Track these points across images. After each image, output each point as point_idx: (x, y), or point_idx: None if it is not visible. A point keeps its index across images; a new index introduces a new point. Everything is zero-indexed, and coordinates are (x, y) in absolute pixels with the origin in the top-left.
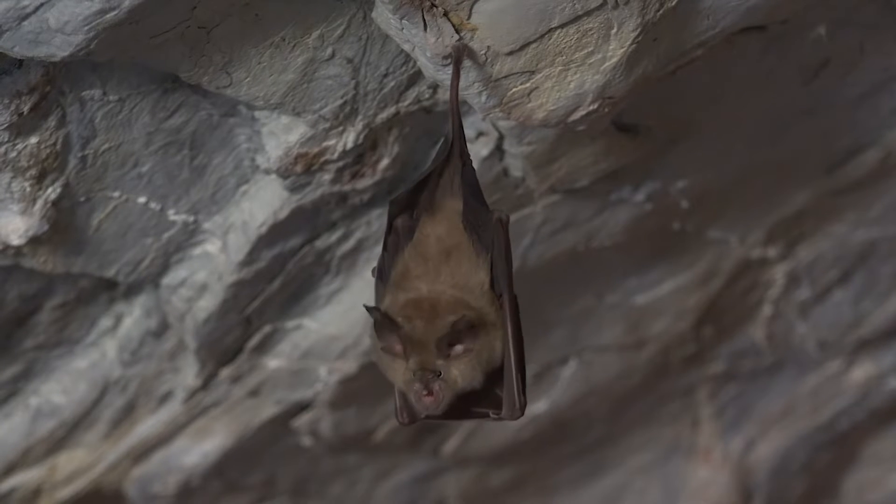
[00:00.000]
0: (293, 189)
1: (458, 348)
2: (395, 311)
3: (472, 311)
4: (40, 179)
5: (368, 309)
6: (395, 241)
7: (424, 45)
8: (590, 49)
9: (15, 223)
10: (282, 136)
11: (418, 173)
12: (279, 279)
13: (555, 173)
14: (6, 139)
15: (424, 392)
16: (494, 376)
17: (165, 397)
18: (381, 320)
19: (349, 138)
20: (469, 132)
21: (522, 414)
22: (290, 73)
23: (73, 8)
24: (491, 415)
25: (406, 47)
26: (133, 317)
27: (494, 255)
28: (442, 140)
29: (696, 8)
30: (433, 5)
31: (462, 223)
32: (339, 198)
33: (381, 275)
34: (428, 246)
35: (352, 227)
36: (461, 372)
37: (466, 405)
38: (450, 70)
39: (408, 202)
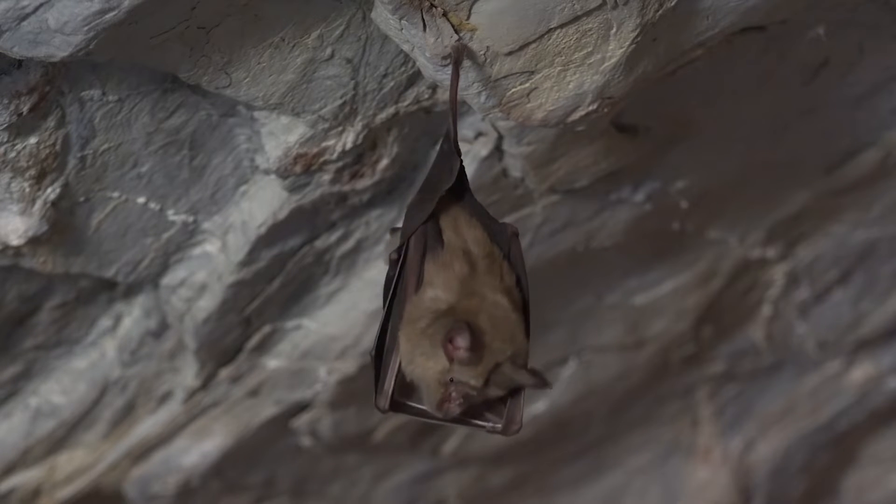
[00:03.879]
0: (292, 189)
1: (499, 391)
2: (473, 316)
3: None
4: (40, 180)
5: (470, 325)
6: (423, 233)
7: (424, 46)
8: (589, 49)
9: (14, 223)
10: (281, 136)
11: (427, 174)
12: (279, 279)
13: (554, 173)
14: (5, 139)
15: (456, 403)
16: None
17: (165, 397)
18: (465, 328)
19: (348, 138)
20: (468, 132)
21: (517, 433)
22: (289, 73)
23: (72, 8)
24: (487, 427)
25: (405, 47)
26: (132, 317)
27: (517, 271)
28: (442, 139)
29: (695, 8)
30: (432, 5)
31: (486, 231)
32: (338, 198)
33: (405, 264)
34: (468, 247)
35: (351, 228)
36: (492, 394)
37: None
38: (449, 70)
39: (425, 203)
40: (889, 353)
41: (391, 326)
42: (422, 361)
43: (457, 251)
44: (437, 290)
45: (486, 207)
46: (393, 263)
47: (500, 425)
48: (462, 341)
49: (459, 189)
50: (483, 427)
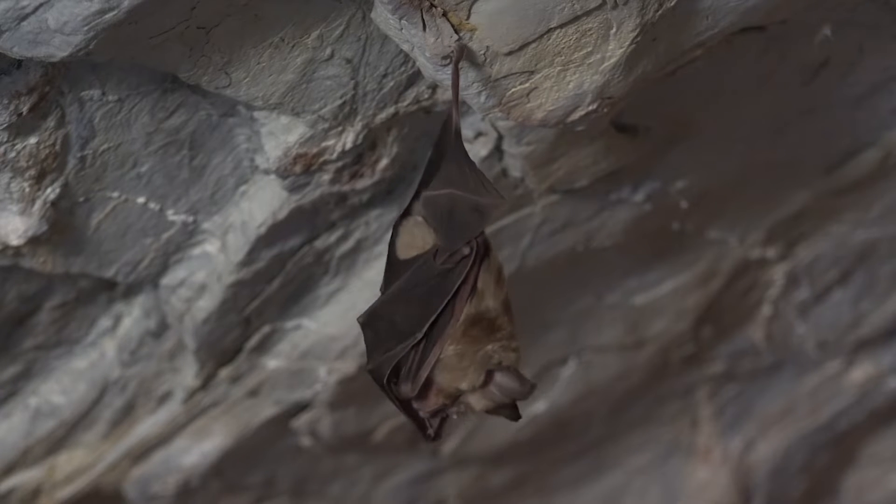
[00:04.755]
0: (292, 189)
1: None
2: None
3: None
4: (39, 180)
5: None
6: (482, 243)
7: (423, 46)
8: (589, 49)
9: (14, 223)
10: (281, 136)
11: (447, 167)
12: (278, 279)
13: (554, 173)
14: (5, 139)
15: (447, 413)
16: None
17: (165, 397)
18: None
19: (348, 138)
20: (468, 132)
21: (434, 441)
22: (289, 73)
23: (72, 8)
24: (427, 432)
25: (405, 47)
26: (132, 317)
27: None
28: (452, 137)
29: (695, 8)
30: (432, 5)
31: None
32: (338, 198)
33: (469, 271)
34: (501, 264)
35: (351, 228)
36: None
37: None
38: (449, 70)
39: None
40: (889, 352)
41: (442, 319)
42: (453, 370)
43: (498, 263)
44: (497, 303)
45: None
46: (461, 258)
47: (432, 432)
48: (513, 388)
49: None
50: (421, 430)
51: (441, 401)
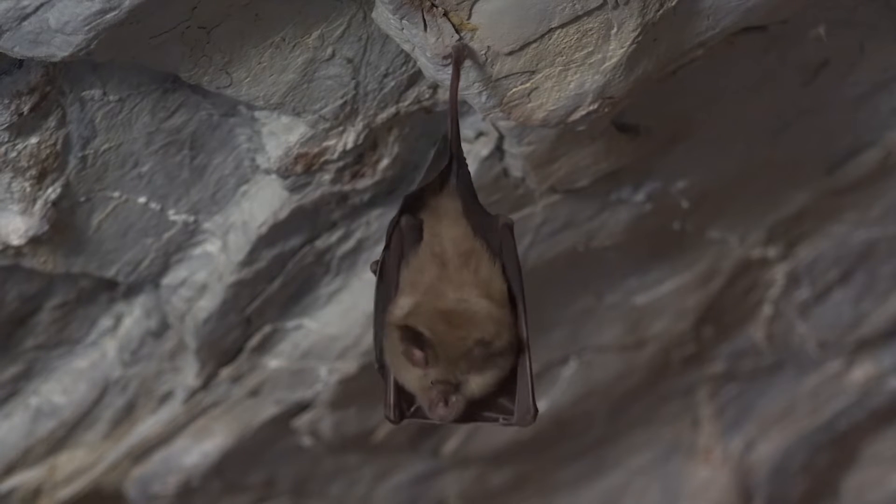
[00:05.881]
0: (293, 189)
1: (487, 378)
2: (420, 318)
3: (502, 328)
4: (40, 179)
5: (404, 328)
6: (399, 239)
7: (424, 46)
8: (590, 49)
9: (15, 223)
10: (282, 136)
11: (423, 173)
12: (279, 279)
13: (555, 173)
14: (6, 139)
15: (442, 403)
16: (503, 382)
17: (165, 397)
18: (410, 334)
19: (349, 138)
20: (469, 132)
21: (534, 420)
22: (290, 73)
23: (73, 8)
24: (501, 420)
25: (406, 47)
26: (133, 317)
27: (504, 260)
28: (440, 140)
29: (696, 8)
30: (433, 5)
31: (470, 227)
32: (339, 198)
33: (384, 274)
34: (443, 248)
35: (352, 227)
36: (479, 385)
37: (472, 409)
38: (450, 70)
39: (415, 202)
40: (889, 352)
41: (380, 337)
42: (404, 375)
43: (428, 255)
44: (406, 297)
45: (487, 207)
46: (377, 273)
47: (512, 417)
48: (412, 347)
49: (460, 185)
50: (497, 420)
51: (428, 397)
